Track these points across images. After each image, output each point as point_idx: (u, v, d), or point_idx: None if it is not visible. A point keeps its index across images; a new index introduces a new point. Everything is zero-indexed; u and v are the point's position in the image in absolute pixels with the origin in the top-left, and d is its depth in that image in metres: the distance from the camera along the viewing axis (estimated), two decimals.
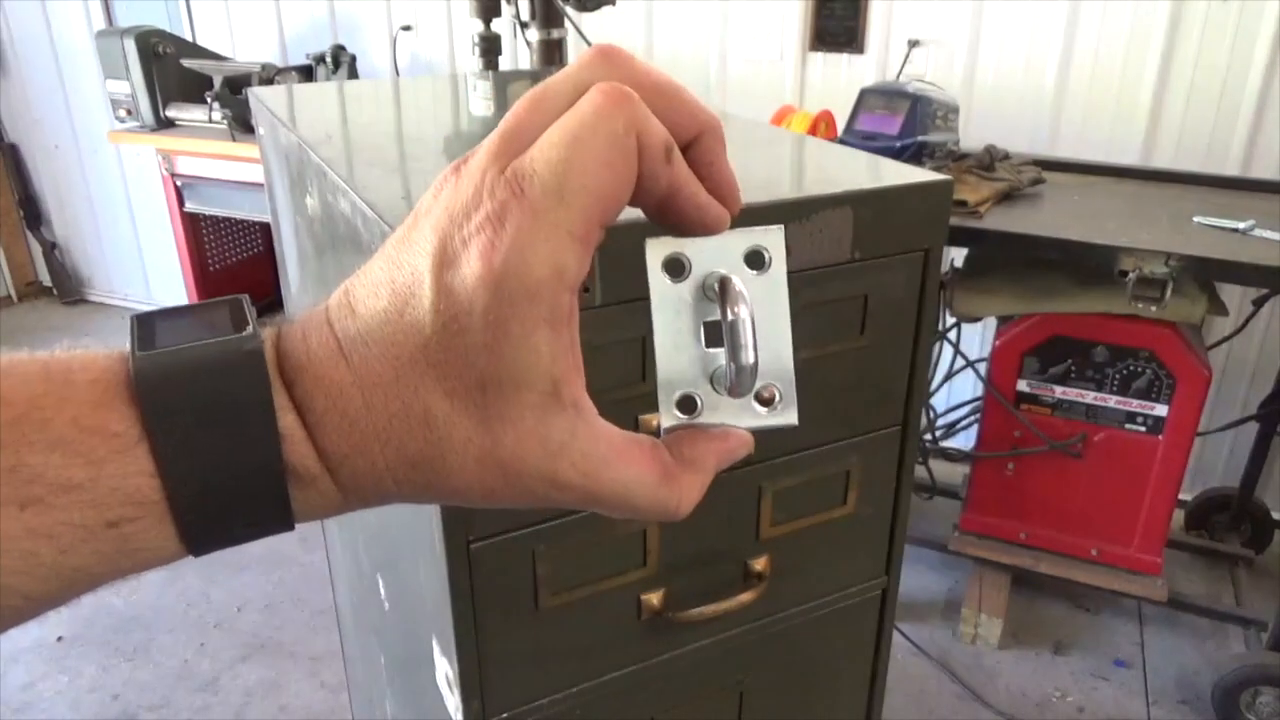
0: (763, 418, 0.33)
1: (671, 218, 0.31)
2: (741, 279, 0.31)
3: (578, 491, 0.30)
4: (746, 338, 0.30)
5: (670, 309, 0.32)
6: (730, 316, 0.31)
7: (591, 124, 0.27)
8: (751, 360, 0.31)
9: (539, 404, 0.29)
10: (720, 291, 0.31)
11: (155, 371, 0.26)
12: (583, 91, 0.28)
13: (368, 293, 0.29)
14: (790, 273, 0.32)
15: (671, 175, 0.29)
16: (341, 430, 0.28)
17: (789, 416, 0.33)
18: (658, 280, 0.32)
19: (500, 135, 0.28)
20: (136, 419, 0.26)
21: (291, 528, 0.29)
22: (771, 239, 0.32)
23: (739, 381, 0.31)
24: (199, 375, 0.27)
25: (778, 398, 0.33)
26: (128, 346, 0.27)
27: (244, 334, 0.28)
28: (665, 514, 0.32)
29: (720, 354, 0.32)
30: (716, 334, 0.32)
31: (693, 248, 0.32)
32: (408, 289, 0.28)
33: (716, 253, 0.32)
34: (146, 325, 0.28)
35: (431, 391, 0.28)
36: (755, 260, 0.32)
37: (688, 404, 0.33)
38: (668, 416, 0.33)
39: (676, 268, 0.32)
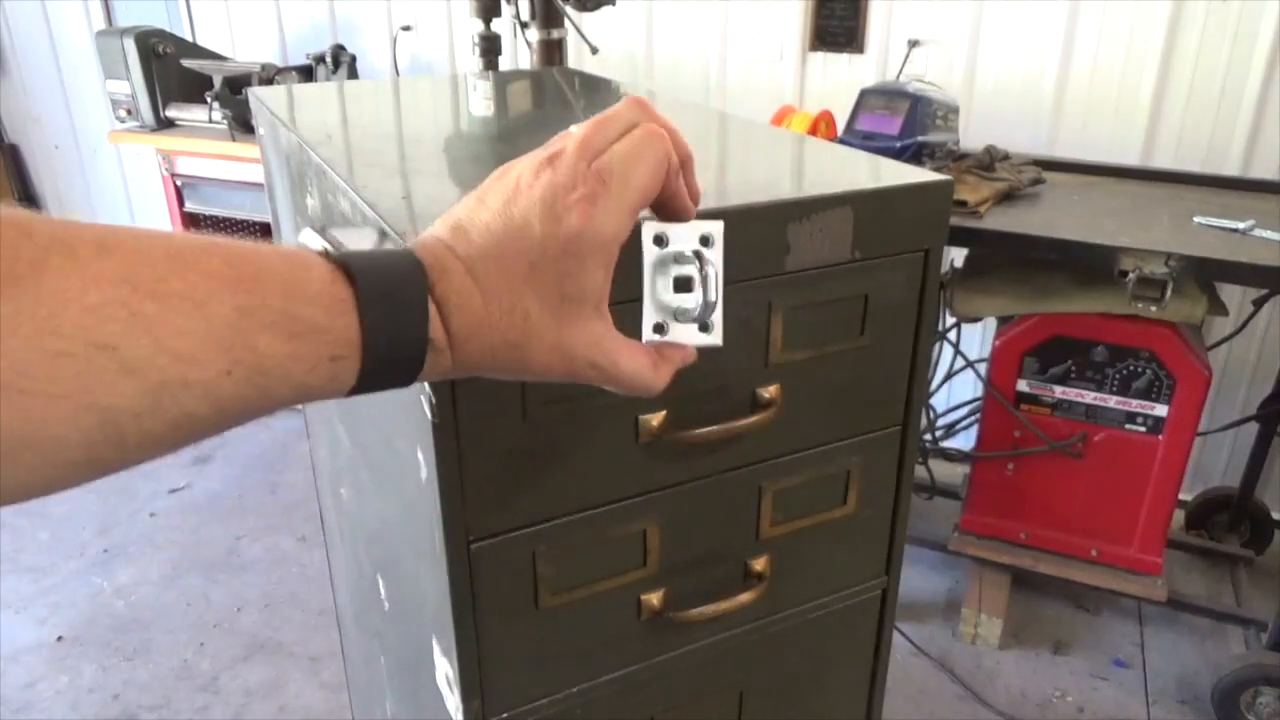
0: (704, 339, 0.50)
1: (666, 209, 0.48)
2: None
3: (605, 371, 0.46)
4: (713, 284, 0.49)
5: (653, 268, 0.49)
6: (705, 272, 0.49)
7: (647, 144, 0.45)
8: (715, 298, 0.49)
9: (590, 314, 0.45)
10: (696, 257, 0.49)
11: (364, 266, 0.39)
12: (630, 125, 0.45)
13: (481, 229, 0.43)
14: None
15: (677, 184, 0.47)
16: (465, 318, 0.42)
17: (718, 338, 0.50)
18: (649, 248, 0.49)
19: (581, 143, 0.44)
20: (352, 293, 0.38)
21: (410, 384, 0.42)
22: (717, 227, 0.50)
23: (705, 310, 0.49)
24: (390, 272, 0.40)
25: (712, 328, 0.50)
26: (322, 251, 0.40)
27: (406, 251, 0.42)
28: (650, 390, 0.49)
29: (680, 298, 0.49)
30: (682, 285, 0.50)
31: (671, 229, 0.49)
32: (519, 230, 0.42)
33: (684, 233, 0.49)
34: (330, 240, 0.45)
35: (530, 299, 0.43)
36: (705, 240, 0.49)
37: (659, 329, 0.50)
38: (647, 335, 0.50)
39: (660, 241, 0.49)
